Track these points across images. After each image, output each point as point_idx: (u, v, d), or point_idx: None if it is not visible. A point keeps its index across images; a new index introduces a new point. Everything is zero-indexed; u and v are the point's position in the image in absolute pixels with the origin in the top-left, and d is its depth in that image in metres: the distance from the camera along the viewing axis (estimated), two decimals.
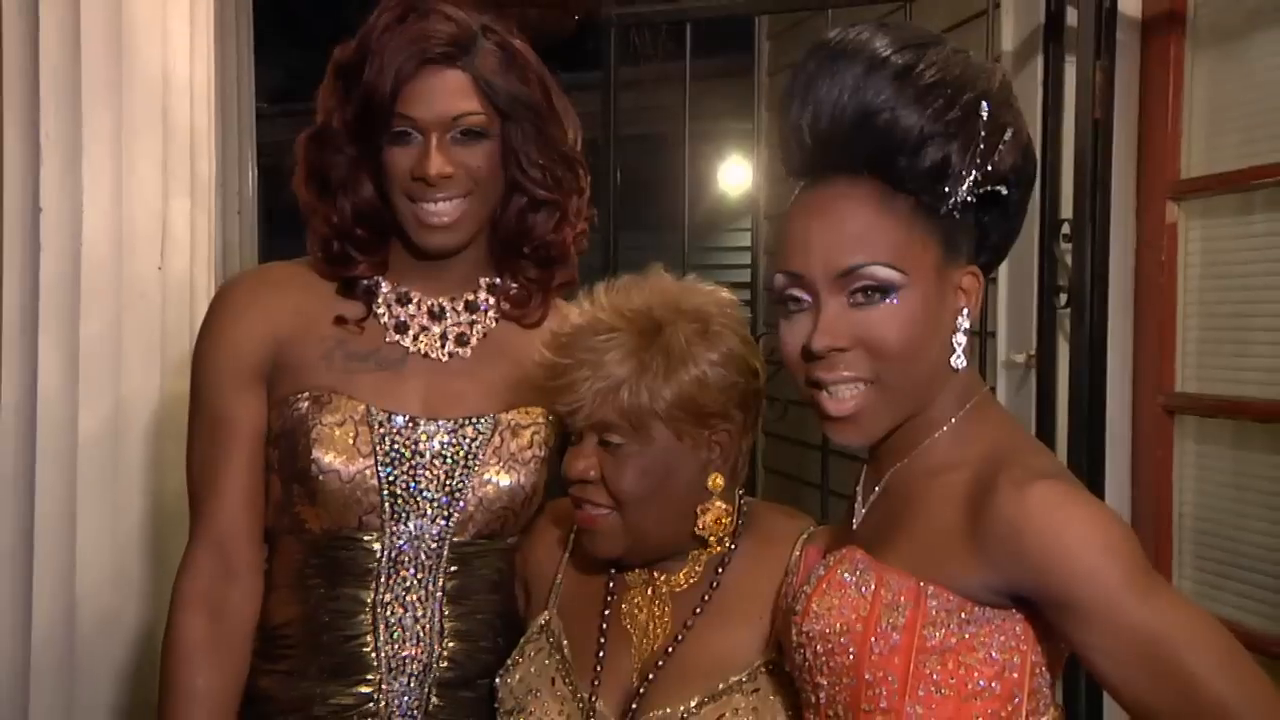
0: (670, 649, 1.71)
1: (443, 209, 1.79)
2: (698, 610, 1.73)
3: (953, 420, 1.48)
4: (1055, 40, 2.80)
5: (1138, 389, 2.81)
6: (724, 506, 1.72)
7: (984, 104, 1.39)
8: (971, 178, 1.40)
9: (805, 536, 1.72)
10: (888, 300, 1.41)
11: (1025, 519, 1.34)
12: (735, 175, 7.84)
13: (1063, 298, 2.72)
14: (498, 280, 1.92)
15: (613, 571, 1.80)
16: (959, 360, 1.45)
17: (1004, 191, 1.43)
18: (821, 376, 1.44)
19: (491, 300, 1.91)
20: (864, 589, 1.44)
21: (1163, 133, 2.76)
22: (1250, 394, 2.57)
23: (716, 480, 1.70)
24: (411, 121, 1.77)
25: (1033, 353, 2.83)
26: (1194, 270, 2.73)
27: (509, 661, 1.80)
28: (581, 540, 1.77)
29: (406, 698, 1.81)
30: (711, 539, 1.73)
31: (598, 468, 1.68)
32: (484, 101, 1.79)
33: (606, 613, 1.78)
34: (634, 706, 1.69)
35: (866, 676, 1.41)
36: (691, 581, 1.75)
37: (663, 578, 1.77)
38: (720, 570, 1.75)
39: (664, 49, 4.66)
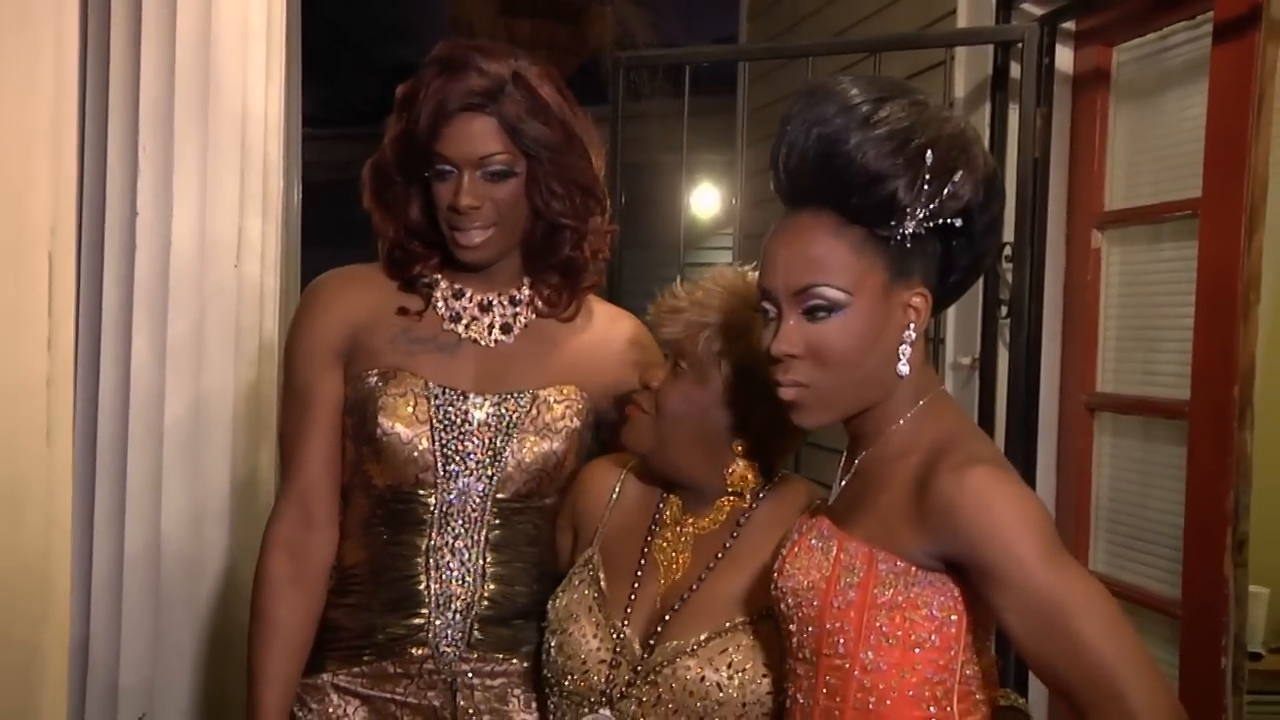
0: (694, 586, 1.79)
1: (473, 235, 1.92)
2: (719, 555, 1.81)
3: (909, 414, 1.54)
4: (1000, 90, 2.95)
5: (1065, 389, 2.94)
6: (746, 465, 1.82)
7: (930, 150, 1.43)
8: (919, 214, 1.45)
9: (811, 505, 1.77)
10: (835, 315, 1.48)
11: (960, 496, 1.42)
12: (706, 200, 8.15)
13: (1003, 309, 2.87)
14: (534, 284, 2.03)
15: (640, 512, 1.90)
16: (903, 368, 1.51)
17: (960, 224, 1.48)
18: (776, 375, 1.53)
19: (531, 298, 2.02)
20: (827, 553, 1.54)
21: (1089, 171, 2.89)
22: (1158, 394, 2.69)
23: (738, 446, 1.80)
24: (447, 160, 1.90)
25: (977, 356, 2.98)
26: (1113, 288, 2.87)
27: (558, 589, 1.89)
28: (620, 435, 1.89)
29: (451, 630, 1.93)
30: (741, 490, 1.83)
31: (659, 380, 1.82)
32: (508, 142, 1.90)
33: (645, 550, 1.86)
34: (658, 631, 1.78)
35: (827, 626, 1.51)
36: (714, 528, 1.84)
37: (690, 520, 1.86)
38: (741, 524, 1.83)
39: (660, 89, 4.93)
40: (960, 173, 1.46)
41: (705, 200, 8.07)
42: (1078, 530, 2.88)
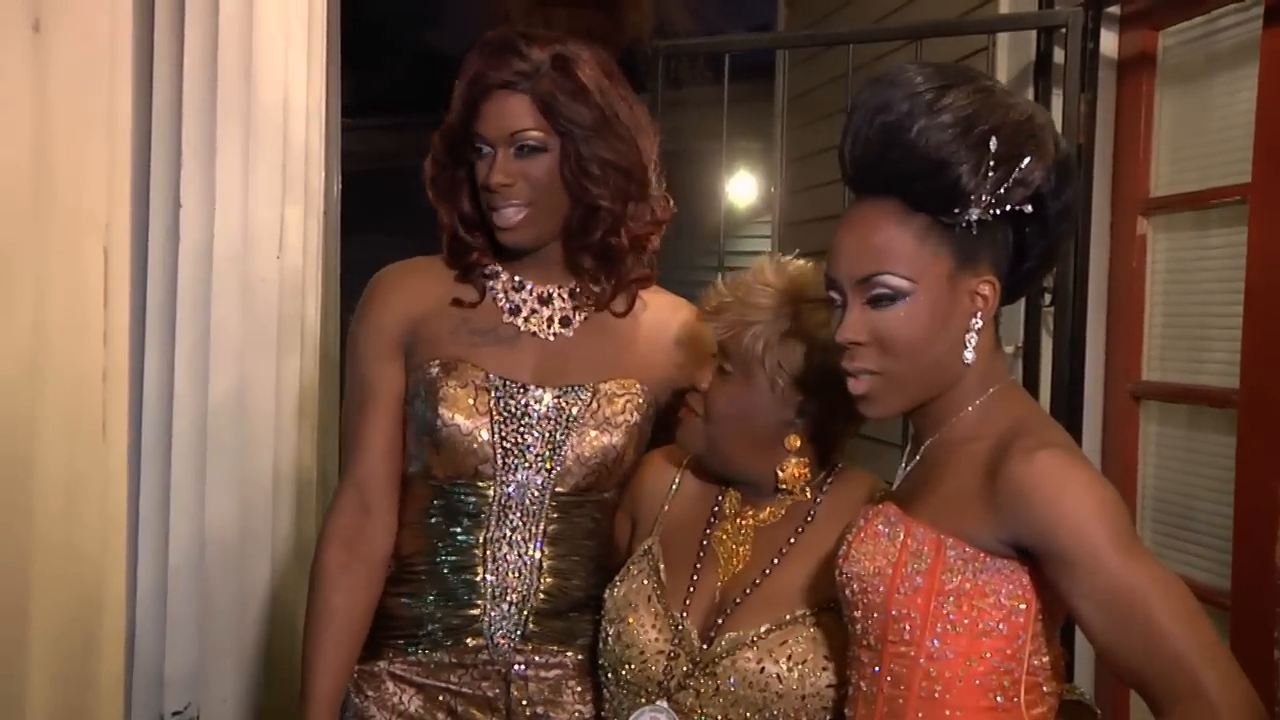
0: (758, 580, 1.78)
1: (508, 214, 1.91)
2: (784, 550, 1.79)
3: (978, 401, 1.53)
4: (1044, 76, 2.93)
5: (1109, 377, 2.93)
6: (800, 462, 1.80)
7: (993, 136, 1.43)
8: (984, 200, 1.44)
9: (873, 495, 1.76)
10: (899, 303, 1.48)
11: (1032, 480, 1.41)
12: (744, 188, 8.12)
13: (1047, 298, 2.83)
14: (582, 277, 2.00)
15: (700, 503, 1.88)
16: (969, 355, 1.50)
17: (1031, 210, 1.47)
18: (844, 364, 1.53)
19: (583, 291, 2.00)
20: (894, 538, 1.52)
21: (1135, 157, 2.88)
22: (1205, 383, 2.67)
23: (793, 440, 1.79)
24: (482, 138, 1.90)
25: (1020, 345, 2.94)
26: (1159, 276, 2.85)
27: (616, 578, 1.88)
28: (675, 433, 1.87)
29: (506, 622, 1.93)
30: (794, 489, 1.82)
31: (707, 382, 1.81)
32: (542, 120, 1.88)
33: (705, 543, 1.85)
34: (719, 622, 1.76)
35: (893, 613, 1.49)
36: (774, 521, 1.83)
37: (750, 512, 1.84)
38: (809, 518, 1.81)
39: (698, 76, 4.91)
40: (1028, 158, 1.45)
41: (743, 188, 8.04)
42: None
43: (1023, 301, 2.88)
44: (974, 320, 1.51)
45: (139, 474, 2.65)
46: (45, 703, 2.27)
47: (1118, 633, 1.40)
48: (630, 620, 1.82)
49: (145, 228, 2.63)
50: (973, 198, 1.44)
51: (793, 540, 1.81)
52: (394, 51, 11.06)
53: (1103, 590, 1.39)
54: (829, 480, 1.85)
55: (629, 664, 1.80)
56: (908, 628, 1.49)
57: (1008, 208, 1.46)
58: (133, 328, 2.61)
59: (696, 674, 1.75)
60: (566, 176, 1.91)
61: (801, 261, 1.83)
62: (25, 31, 2.21)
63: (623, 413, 1.96)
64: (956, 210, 1.46)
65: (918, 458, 1.59)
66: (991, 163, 1.43)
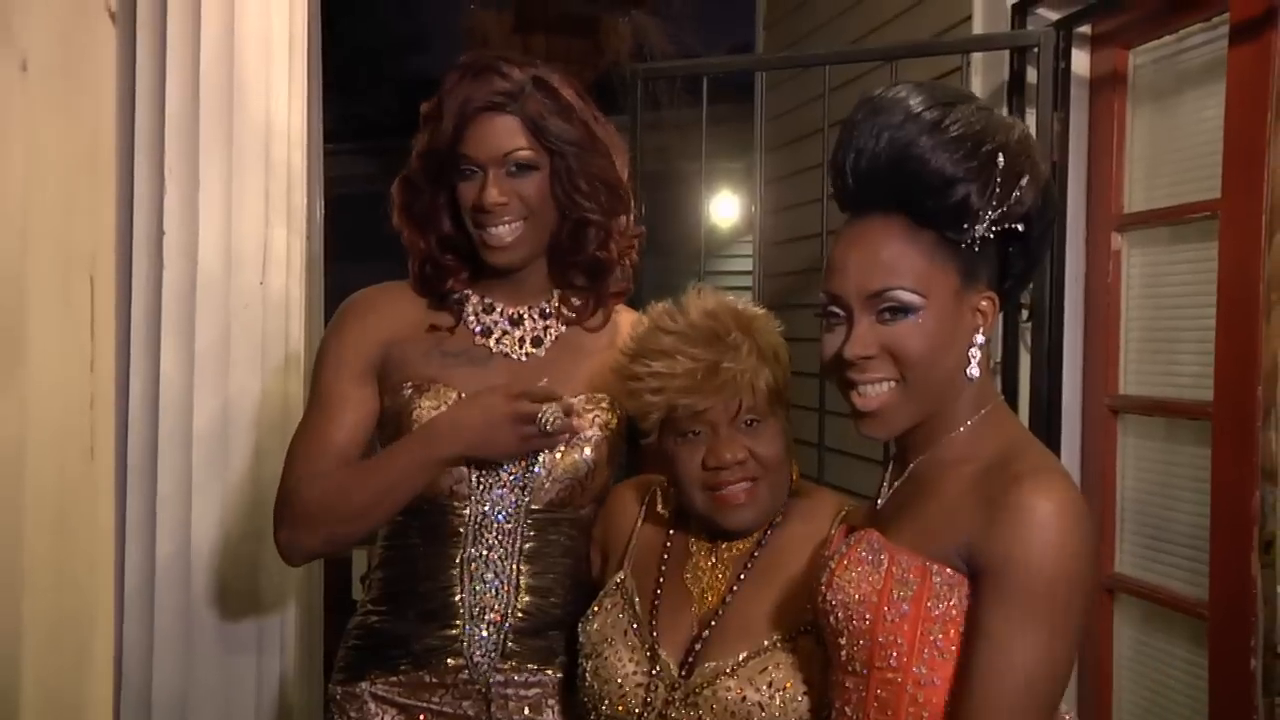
0: (720, 610, 1.77)
1: (501, 232, 1.92)
2: (742, 575, 1.79)
3: (969, 422, 1.53)
4: (1017, 94, 2.93)
5: (1087, 391, 2.93)
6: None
7: (1000, 154, 1.44)
8: (989, 217, 1.45)
9: (842, 515, 1.78)
10: (910, 317, 1.48)
11: (1017, 501, 1.40)
12: (725, 208, 8.15)
13: (1025, 313, 2.83)
14: (562, 291, 2.03)
15: (670, 533, 1.88)
16: (973, 370, 1.51)
17: (1021, 229, 1.48)
18: (854, 377, 1.51)
19: (559, 308, 2.02)
20: (878, 565, 1.51)
21: (1108, 174, 2.86)
22: (1180, 396, 2.67)
23: None
24: (471, 160, 1.91)
25: (998, 360, 2.91)
26: (1134, 291, 2.85)
27: (589, 611, 1.87)
28: (719, 516, 1.79)
29: (485, 641, 1.93)
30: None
31: (737, 450, 1.75)
32: (532, 139, 1.91)
33: (680, 572, 1.83)
34: (690, 659, 1.75)
35: (880, 639, 1.48)
36: (748, 546, 1.82)
37: (723, 542, 1.83)
38: (765, 537, 1.81)
39: (677, 99, 4.93)
40: (1026, 178, 1.47)
41: (724, 208, 8.07)
42: (1103, 532, 2.86)
43: (1000, 317, 2.92)
44: (977, 336, 1.51)
45: (125, 497, 2.65)
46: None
47: (964, 663, 1.43)
48: (607, 654, 1.81)
49: (129, 252, 2.63)
50: (980, 214, 1.46)
51: (750, 564, 1.81)
52: (378, 77, 11.08)
53: (983, 626, 1.41)
54: (786, 499, 1.85)
55: (608, 699, 1.79)
56: (894, 654, 1.48)
57: (1006, 225, 1.48)
58: (117, 352, 2.60)
59: (677, 704, 1.74)
60: (558, 193, 1.94)
61: (700, 295, 1.81)
62: (15, 72, 2.23)
63: (592, 427, 1.97)
64: (964, 226, 1.47)
65: (905, 476, 1.58)
66: (998, 180, 1.45)
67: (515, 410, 1.85)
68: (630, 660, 1.78)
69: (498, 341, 2.00)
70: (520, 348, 2.01)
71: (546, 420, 1.84)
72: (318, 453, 1.96)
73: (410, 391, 1.95)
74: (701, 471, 1.76)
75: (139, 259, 2.63)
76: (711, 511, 1.78)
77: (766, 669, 1.71)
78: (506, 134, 1.91)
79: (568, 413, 1.88)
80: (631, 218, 2.04)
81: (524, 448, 1.90)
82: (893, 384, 1.50)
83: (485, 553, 1.95)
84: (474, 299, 2.02)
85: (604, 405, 1.98)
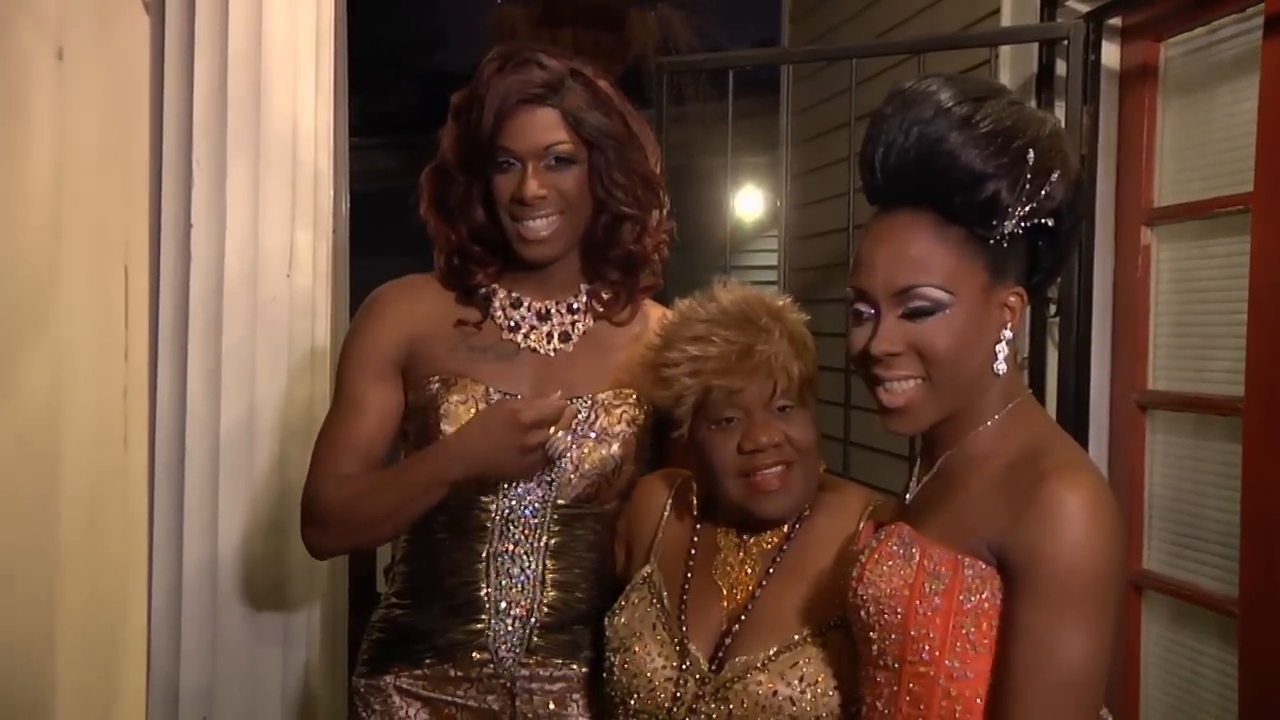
0: (749, 604, 1.76)
1: (539, 225, 1.91)
2: (770, 569, 1.78)
3: (996, 416, 1.52)
4: (1046, 88, 2.91)
5: (1115, 387, 2.91)
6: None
7: (1031, 150, 1.43)
8: (1019, 213, 1.44)
9: (870, 510, 1.77)
10: (937, 315, 1.46)
11: (1045, 493, 1.39)
12: (750, 202, 8.13)
13: (1052, 308, 2.82)
14: (593, 285, 2.02)
15: (697, 526, 1.86)
16: (1000, 366, 1.49)
17: (1050, 224, 1.47)
18: (880, 374, 1.49)
19: (589, 303, 2.01)
20: (909, 559, 1.50)
21: (1138, 168, 2.85)
22: (1210, 391, 2.65)
23: None
24: (510, 153, 1.90)
25: (1026, 355, 2.91)
26: (1164, 286, 2.83)
27: (615, 605, 1.86)
28: (753, 503, 1.77)
29: (510, 636, 1.93)
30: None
31: (773, 434, 1.74)
32: (571, 133, 1.90)
33: (691, 562, 1.83)
34: (721, 653, 1.74)
35: (912, 633, 1.48)
36: (776, 540, 1.81)
37: (752, 537, 1.82)
38: (794, 530, 1.80)
39: (703, 93, 4.92)
40: (1057, 173, 1.46)
41: (749, 203, 8.05)
42: (1131, 529, 2.84)
43: (1028, 312, 2.90)
44: (1004, 331, 1.50)
45: (153, 493, 2.67)
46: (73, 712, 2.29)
47: (1003, 660, 1.43)
48: (635, 649, 1.80)
49: (157, 249, 2.65)
50: (1009, 210, 1.44)
51: (779, 558, 1.80)
52: (401, 73, 11.11)
53: (1018, 623, 1.40)
54: (815, 489, 1.84)
55: (637, 693, 1.78)
56: (926, 648, 1.47)
57: (1035, 221, 1.47)
58: (149, 345, 2.65)
59: (707, 699, 1.73)
60: (595, 187, 1.94)
61: (716, 292, 1.81)
62: (50, 59, 2.25)
63: (619, 423, 1.97)
64: (994, 222, 1.45)
65: (933, 471, 1.57)
66: (1029, 176, 1.44)
67: (522, 443, 1.84)
68: (659, 654, 1.77)
69: (525, 336, 2.00)
70: (548, 343, 2.00)
71: (554, 450, 1.85)
72: (341, 452, 1.96)
73: (437, 386, 1.95)
74: (737, 457, 1.75)
75: (166, 253, 2.65)
76: (746, 500, 1.77)
77: (798, 663, 1.70)
78: (547, 127, 1.91)
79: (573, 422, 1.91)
80: (664, 212, 2.03)
81: (531, 471, 1.91)
82: (919, 381, 1.49)
83: (511, 548, 1.95)
84: (501, 293, 2.01)
85: (631, 401, 1.98)
